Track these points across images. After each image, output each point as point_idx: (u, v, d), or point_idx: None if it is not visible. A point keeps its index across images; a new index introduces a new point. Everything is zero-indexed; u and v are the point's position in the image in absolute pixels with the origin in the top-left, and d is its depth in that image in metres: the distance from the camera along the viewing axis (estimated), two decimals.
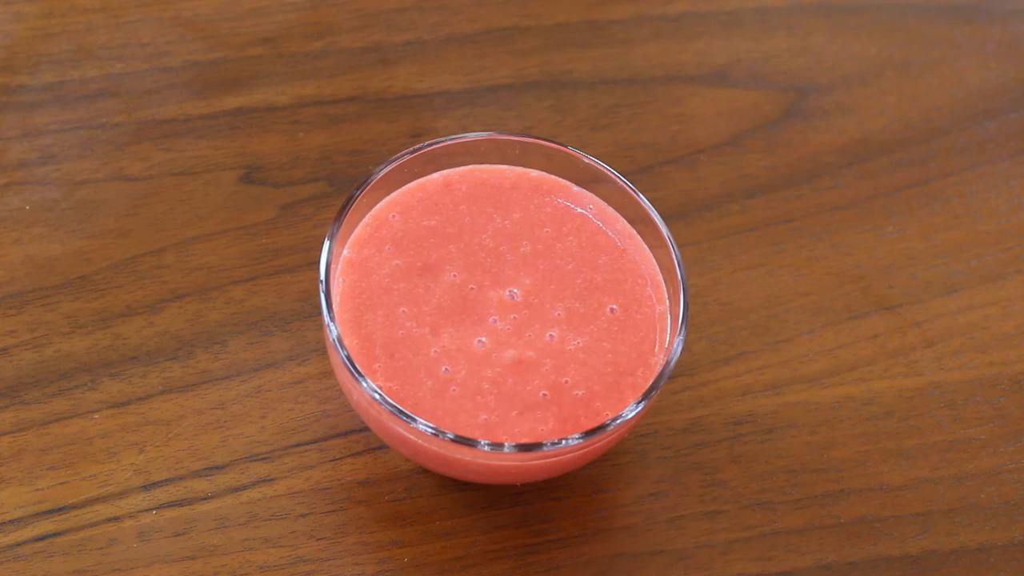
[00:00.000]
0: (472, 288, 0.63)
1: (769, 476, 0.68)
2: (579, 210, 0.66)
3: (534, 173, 0.67)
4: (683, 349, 0.61)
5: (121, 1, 0.81)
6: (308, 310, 0.71)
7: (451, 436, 0.58)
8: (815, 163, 0.79)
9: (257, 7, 0.82)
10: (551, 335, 0.62)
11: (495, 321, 0.62)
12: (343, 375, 0.61)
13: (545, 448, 0.58)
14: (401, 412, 0.58)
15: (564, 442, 0.58)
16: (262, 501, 0.66)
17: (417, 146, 0.65)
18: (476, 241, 0.64)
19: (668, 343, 0.63)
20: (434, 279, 0.63)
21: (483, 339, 0.62)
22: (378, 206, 0.65)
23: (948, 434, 0.71)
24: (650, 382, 0.61)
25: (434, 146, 0.65)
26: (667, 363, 0.61)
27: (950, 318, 0.74)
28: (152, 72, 0.78)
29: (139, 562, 0.63)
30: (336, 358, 0.60)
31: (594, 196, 0.66)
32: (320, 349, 0.70)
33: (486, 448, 0.58)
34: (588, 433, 0.59)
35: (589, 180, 0.66)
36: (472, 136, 0.66)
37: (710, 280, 0.74)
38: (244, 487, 0.66)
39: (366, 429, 0.68)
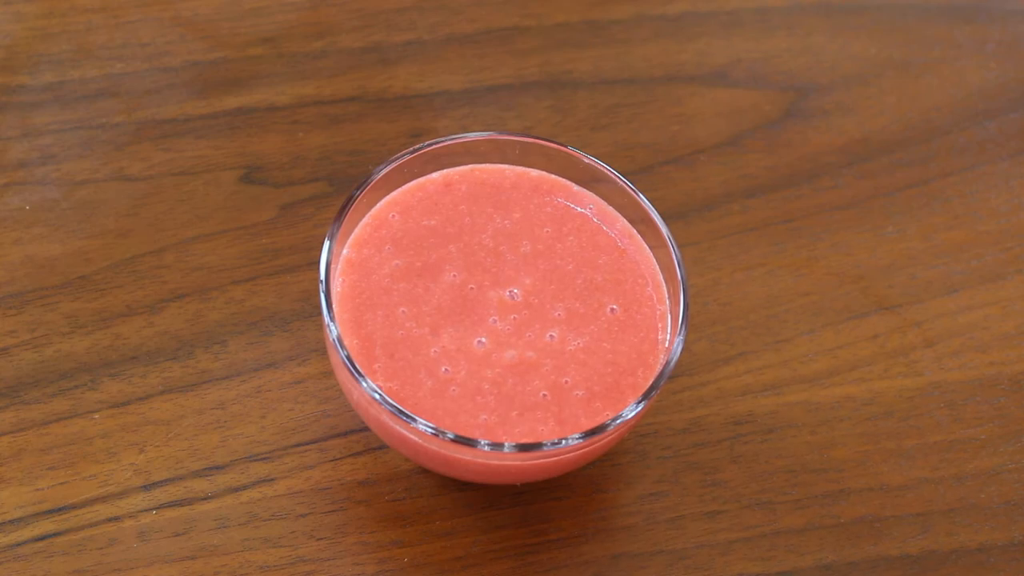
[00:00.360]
0: (472, 288, 0.63)
1: (769, 476, 0.68)
2: (579, 210, 0.66)
3: (534, 173, 0.67)
4: (683, 349, 0.61)
5: (121, 1, 0.81)
6: (308, 310, 0.71)
7: (451, 436, 0.58)
8: (815, 163, 0.79)
9: (257, 7, 0.82)
10: (551, 335, 0.62)
11: (495, 321, 0.62)
12: (343, 375, 0.61)
13: (545, 448, 0.58)
14: (401, 412, 0.58)
15: (564, 442, 0.58)
16: (262, 501, 0.66)
17: (417, 146, 0.65)
18: (476, 241, 0.64)
19: (668, 343, 0.62)
20: (434, 279, 0.63)
21: (483, 339, 0.62)
22: (378, 206, 0.65)
23: (948, 434, 0.71)
24: (650, 382, 0.61)
25: (434, 146, 0.65)
26: (667, 363, 0.61)
27: (950, 318, 0.74)
28: (152, 72, 0.78)
29: (139, 562, 0.63)
30: (336, 358, 0.60)
31: (594, 196, 0.66)
32: (320, 349, 0.70)
33: (486, 448, 0.58)
34: (588, 433, 0.59)
35: (589, 180, 0.66)
36: (472, 136, 0.66)
37: (710, 280, 0.74)
38: (244, 487, 0.66)
39: (366, 429, 0.67)
